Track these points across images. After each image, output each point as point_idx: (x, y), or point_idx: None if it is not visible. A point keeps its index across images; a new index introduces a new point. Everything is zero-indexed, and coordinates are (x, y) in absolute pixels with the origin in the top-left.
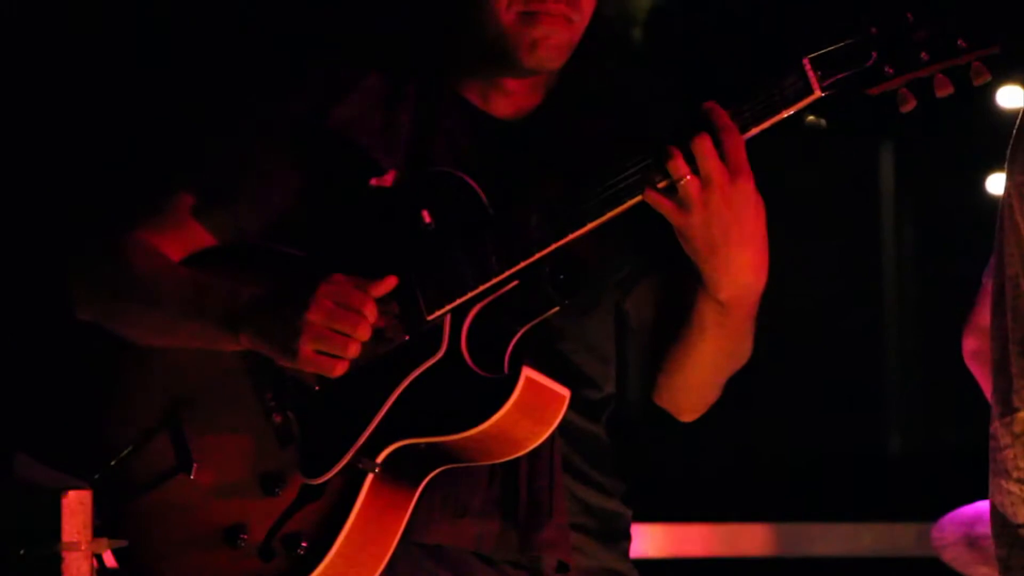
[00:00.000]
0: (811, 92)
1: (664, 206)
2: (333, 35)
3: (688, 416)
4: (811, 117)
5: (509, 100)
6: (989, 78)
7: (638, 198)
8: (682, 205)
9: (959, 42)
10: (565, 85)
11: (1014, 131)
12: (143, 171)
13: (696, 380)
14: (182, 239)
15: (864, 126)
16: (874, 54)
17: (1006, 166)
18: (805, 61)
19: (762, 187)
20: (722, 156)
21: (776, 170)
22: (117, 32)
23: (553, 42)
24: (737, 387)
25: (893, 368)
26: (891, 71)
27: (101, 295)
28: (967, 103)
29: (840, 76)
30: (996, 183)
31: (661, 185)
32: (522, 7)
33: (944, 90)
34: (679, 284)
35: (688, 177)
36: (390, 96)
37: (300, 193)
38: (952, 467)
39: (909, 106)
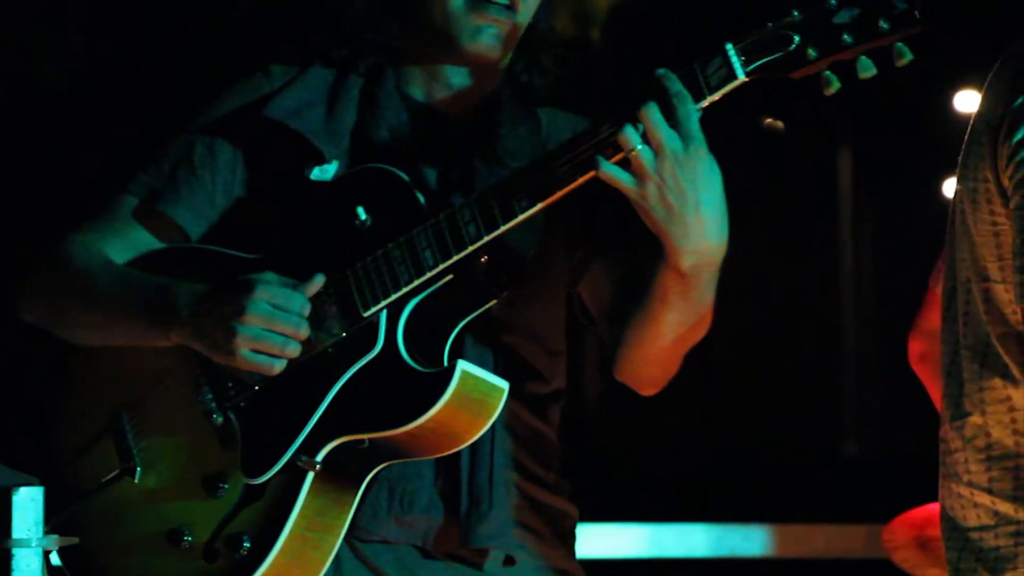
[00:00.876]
0: (735, 78)
1: (618, 180)
2: (278, 29)
3: (649, 389)
4: (769, 120)
5: (452, 93)
6: (911, 59)
7: (565, 190)
8: (636, 176)
9: (880, 23)
10: (509, 83)
11: (966, 136)
12: (95, 177)
13: (658, 351)
14: (126, 241)
15: (822, 129)
16: (797, 38)
17: (957, 171)
18: (728, 47)
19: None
20: (673, 124)
21: (733, 172)
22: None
23: (494, 32)
24: (694, 389)
25: (850, 371)
26: (813, 54)
27: (41, 297)
28: (923, 106)
29: (764, 61)
30: (952, 187)
31: (614, 160)
32: None
33: (867, 72)
34: (634, 260)
35: (639, 147)
36: (333, 88)
37: (242, 190)
38: (905, 470)
39: (832, 89)
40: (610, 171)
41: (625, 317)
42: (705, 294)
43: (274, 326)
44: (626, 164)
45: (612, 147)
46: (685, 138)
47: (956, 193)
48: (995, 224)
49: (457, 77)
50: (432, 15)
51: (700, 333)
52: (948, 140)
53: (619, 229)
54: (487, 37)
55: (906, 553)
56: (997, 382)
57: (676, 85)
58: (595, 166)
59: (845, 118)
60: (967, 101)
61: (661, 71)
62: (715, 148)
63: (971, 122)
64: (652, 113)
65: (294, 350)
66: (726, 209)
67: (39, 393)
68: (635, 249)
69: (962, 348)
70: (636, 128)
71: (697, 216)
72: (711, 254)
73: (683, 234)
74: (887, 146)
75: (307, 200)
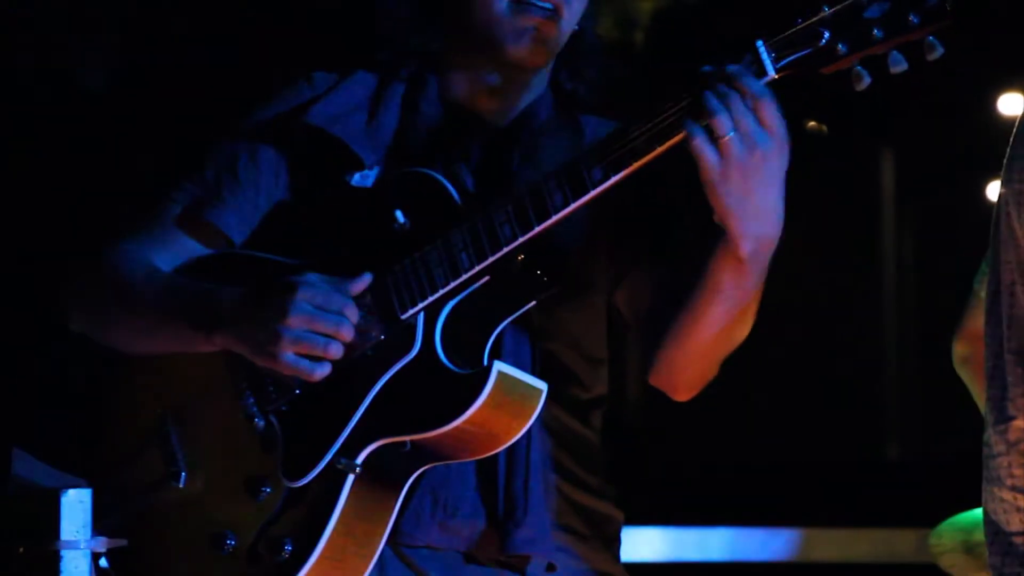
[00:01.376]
0: (766, 75)
1: (706, 155)
2: (321, 34)
3: (684, 394)
4: (812, 123)
5: (494, 98)
6: (942, 53)
7: (598, 191)
8: (722, 159)
9: (911, 17)
10: (552, 90)
11: (1011, 138)
12: (139, 185)
13: (701, 349)
14: (171, 248)
15: (865, 132)
16: (827, 33)
17: (1002, 173)
18: (759, 44)
19: None
20: (760, 119)
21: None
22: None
23: (537, 35)
24: (735, 394)
25: (892, 374)
26: (844, 50)
27: (87, 305)
28: (967, 108)
29: (794, 57)
30: (996, 190)
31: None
32: None
33: (898, 67)
34: (674, 265)
35: (732, 135)
36: (375, 94)
37: (284, 196)
38: (950, 474)
39: (862, 85)
40: (700, 145)
41: (666, 318)
42: (756, 284)
43: (316, 326)
44: (710, 146)
45: (706, 122)
46: (772, 137)
47: (1000, 196)
48: None
49: (500, 82)
50: (475, 19)
51: (743, 332)
52: (992, 143)
53: (657, 235)
54: (530, 40)
55: (953, 558)
56: None
57: (756, 84)
58: (688, 136)
59: (888, 121)
60: (1011, 104)
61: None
62: None
63: (1016, 125)
64: (741, 107)
65: (337, 350)
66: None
67: (86, 397)
68: (675, 254)
69: (1006, 352)
70: (728, 115)
71: (764, 199)
72: (769, 243)
73: (750, 220)
74: (930, 149)
75: (347, 204)
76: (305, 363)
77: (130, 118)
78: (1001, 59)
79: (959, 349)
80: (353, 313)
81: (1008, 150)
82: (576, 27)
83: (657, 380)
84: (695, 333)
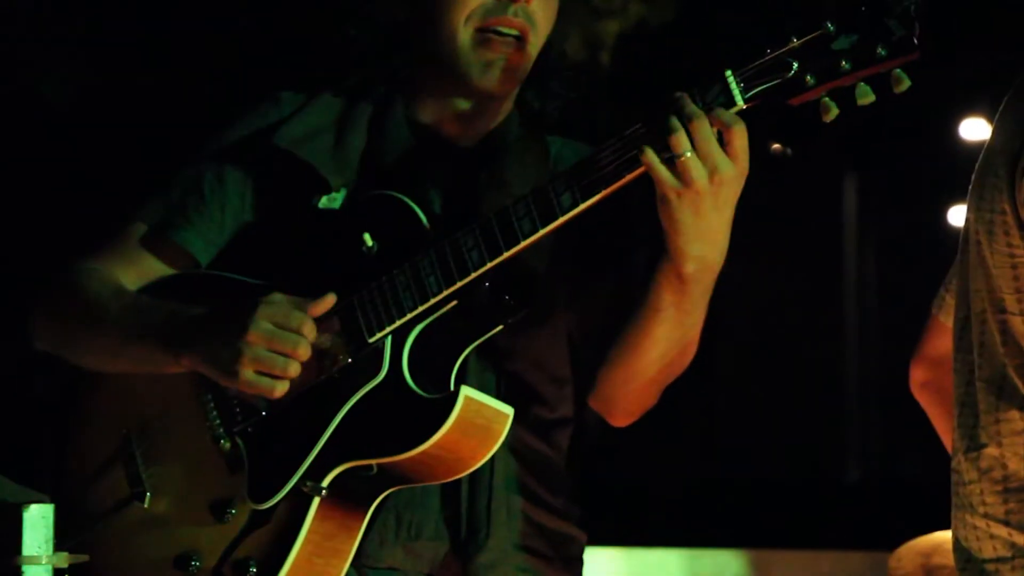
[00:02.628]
0: (734, 104)
1: (661, 174)
2: (294, 51)
3: (621, 419)
4: (776, 145)
5: (462, 123)
6: (909, 85)
7: (567, 217)
8: (678, 178)
9: (878, 50)
10: (520, 111)
11: (977, 165)
12: (108, 205)
13: (639, 370)
14: (136, 268)
15: (828, 155)
16: (795, 64)
17: (970, 200)
18: (728, 73)
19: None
20: (730, 152)
21: (739, 199)
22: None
23: (505, 65)
24: (698, 414)
25: (853, 398)
26: (812, 81)
27: (53, 324)
28: (929, 133)
29: (762, 87)
30: (958, 215)
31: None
32: (480, 22)
33: (865, 99)
34: (625, 288)
35: (689, 154)
36: (342, 117)
37: (252, 217)
38: (910, 496)
39: (831, 115)
40: (656, 163)
41: (611, 338)
42: (696, 310)
43: (274, 345)
44: (670, 165)
45: (658, 145)
46: (733, 166)
47: (968, 223)
48: (1013, 256)
49: (467, 108)
50: (440, 50)
51: (682, 363)
52: (953, 167)
53: (611, 257)
54: (497, 71)
55: None
56: (1014, 414)
57: (727, 115)
58: (641, 153)
59: (851, 145)
60: (973, 128)
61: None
62: None
63: (984, 152)
64: (703, 126)
65: (296, 370)
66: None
67: (50, 414)
68: (625, 278)
69: (977, 379)
70: (687, 134)
71: (716, 229)
72: (712, 266)
73: (695, 240)
74: (892, 173)
75: (315, 226)
76: (266, 381)
77: (94, 133)
78: (964, 84)
79: (917, 374)
80: (311, 331)
81: (973, 177)
82: (542, 48)
83: (595, 402)
84: (634, 353)
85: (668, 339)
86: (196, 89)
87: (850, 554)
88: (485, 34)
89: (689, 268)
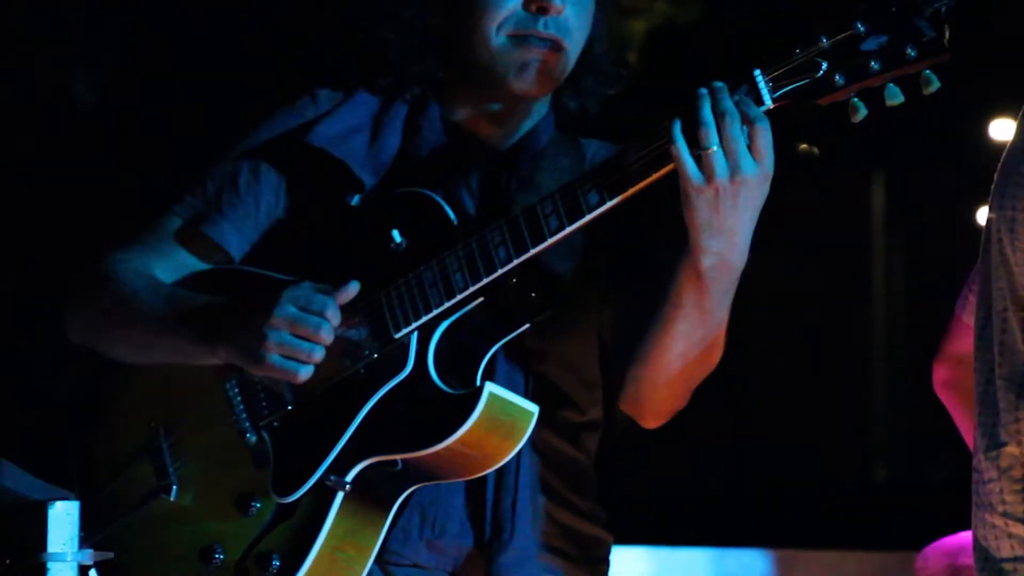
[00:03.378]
0: (763, 104)
1: (687, 167)
2: (327, 52)
3: (651, 421)
4: (804, 145)
5: (497, 124)
6: (938, 87)
7: (593, 216)
8: (701, 172)
9: (908, 51)
10: (556, 110)
11: (1000, 164)
12: (142, 198)
13: (665, 368)
14: (170, 261)
15: (857, 156)
16: (824, 64)
17: (992, 199)
18: (757, 73)
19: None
20: (755, 153)
21: (768, 198)
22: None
23: (541, 67)
24: (726, 414)
25: (880, 397)
26: (841, 81)
27: (88, 316)
28: (957, 133)
29: (791, 87)
30: (986, 215)
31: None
32: (512, 30)
33: (894, 100)
34: (654, 291)
35: (715, 148)
36: (378, 116)
37: (285, 213)
38: (938, 497)
39: (859, 116)
40: (684, 155)
41: (637, 339)
42: (717, 310)
43: (297, 328)
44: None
45: (692, 135)
46: (757, 166)
47: (990, 222)
48: None
49: (502, 109)
50: (476, 53)
51: (707, 365)
52: (982, 168)
53: (641, 258)
54: (533, 73)
55: None
56: None
57: (754, 109)
58: (671, 142)
59: (879, 145)
60: (1001, 129)
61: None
62: None
63: (1006, 151)
64: (735, 132)
65: (320, 354)
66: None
67: (77, 409)
68: (654, 279)
69: (997, 377)
70: (716, 131)
71: (735, 227)
72: (732, 264)
73: (713, 236)
74: (921, 173)
75: (345, 223)
76: (291, 364)
77: (122, 132)
78: (992, 85)
79: (940, 373)
80: (334, 315)
81: (996, 176)
82: (581, 50)
83: (626, 405)
84: (659, 353)
85: (689, 337)
86: (227, 89)
87: (876, 555)
88: (519, 39)
89: (706, 263)
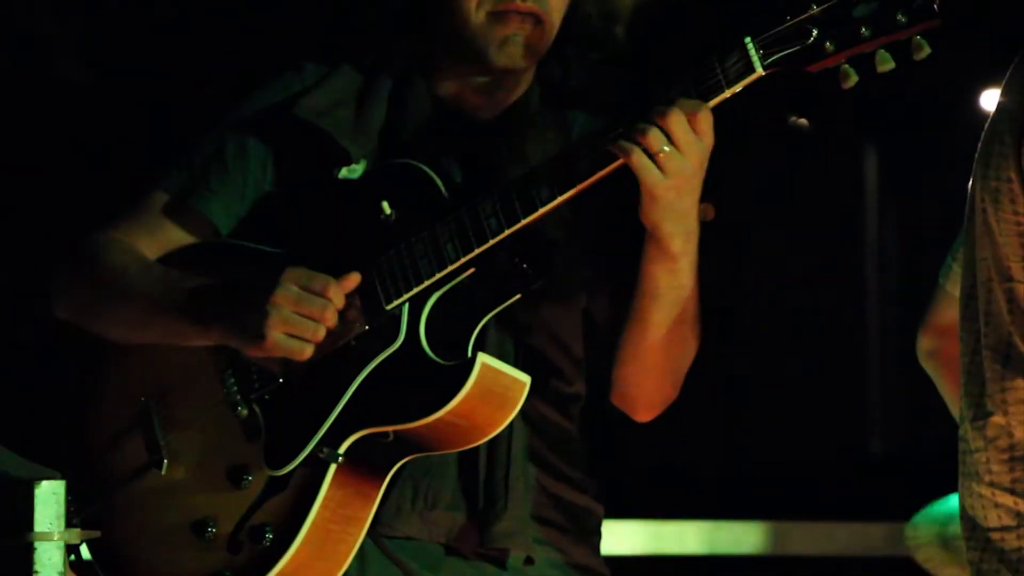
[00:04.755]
0: (753, 71)
1: (647, 171)
2: (310, 30)
3: (644, 413)
4: (794, 117)
5: (482, 98)
6: (929, 52)
7: (585, 184)
8: (663, 173)
9: (899, 17)
10: (541, 82)
11: (983, 133)
12: (125, 174)
13: (651, 362)
14: (158, 237)
15: (848, 127)
16: (815, 31)
17: (975, 168)
18: (746, 40)
19: (746, 188)
20: (698, 131)
21: (759, 171)
22: (105, 36)
23: (522, 41)
24: (719, 386)
25: (874, 369)
26: (832, 47)
27: (76, 293)
28: (949, 104)
29: (781, 54)
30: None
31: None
32: (491, 6)
33: (885, 65)
34: (632, 280)
35: (667, 149)
36: (363, 90)
37: (272, 186)
38: (931, 467)
39: (850, 83)
40: (641, 161)
41: (619, 336)
42: (688, 281)
43: (301, 307)
44: (649, 159)
45: (637, 143)
46: (705, 148)
47: (974, 191)
48: (1019, 224)
49: (486, 82)
50: (456, 29)
51: (692, 344)
52: (974, 138)
53: (627, 249)
54: (514, 47)
55: (928, 551)
56: (1020, 382)
57: (689, 102)
58: (625, 153)
59: (871, 116)
60: (993, 100)
61: (673, 79)
62: (740, 144)
63: (989, 121)
64: (678, 120)
65: (323, 333)
66: None
67: (64, 386)
68: (634, 276)
69: (983, 348)
70: (662, 130)
71: (690, 203)
72: (693, 234)
73: (679, 220)
74: (913, 144)
75: (334, 195)
76: (295, 342)
77: (111, 108)
78: (983, 54)
79: (924, 343)
80: (337, 295)
81: (979, 146)
82: (562, 20)
83: (617, 399)
84: (643, 344)
85: (668, 321)
86: (214, 65)
87: (868, 525)
88: (499, 14)
89: (677, 245)
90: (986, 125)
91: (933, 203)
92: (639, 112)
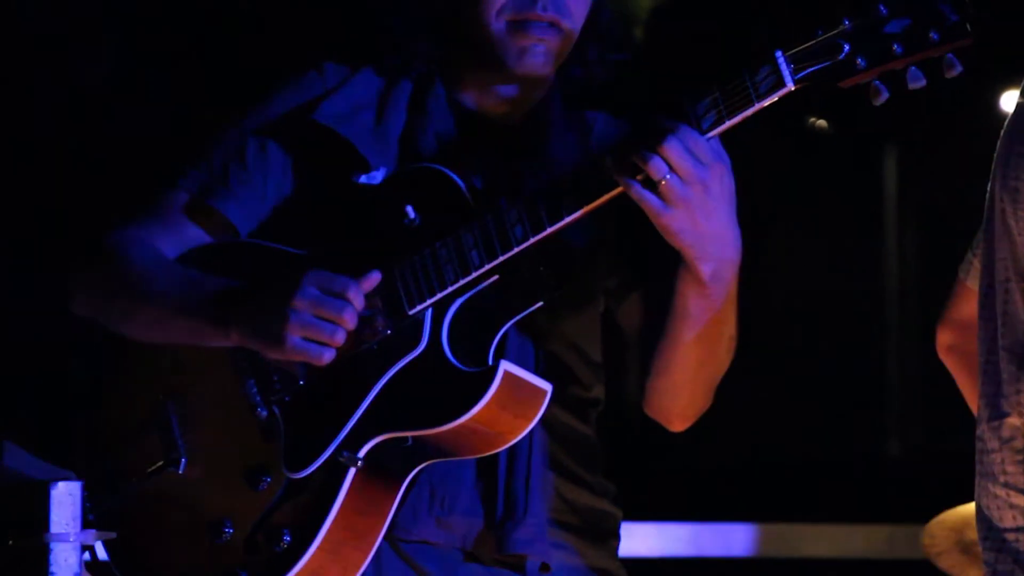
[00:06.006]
0: (784, 86)
1: (648, 203)
2: (331, 33)
3: (678, 424)
4: (814, 119)
5: (502, 102)
6: (961, 70)
7: (613, 193)
8: (665, 202)
9: (931, 35)
10: (563, 85)
11: (1002, 134)
12: (144, 172)
13: (683, 378)
14: (177, 236)
15: (868, 129)
16: (847, 47)
17: (995, 169)
18: (778, 54)
19: (765, 189)
20: (699, 155)
21: (779, 172)
22: (123, 34)
23: (541, 49)
24: (737, 387)
25: (894, 372)
26: (863, 64)
27: (96, 291)
28: (969, 107)
29: (813, 69)
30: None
31: (639, 178)
32: (511, 15)
33: (916, 83)
34: (665, 292)
35: (668, 177)
36: (383, 93)
37: (292, 189)
38: (950, 470)
39: (880, 99)
40: (640, 194)
41: (651, 348)
42: (725, 305)
43: (321, 311)
44: (653, 187)
45: (639, 173)
46: (712, 167)
47: (993, 191)
48: None
49: (506, 88)
50: (476, 37)
51: (725, 358)
52: (993, 139)
53: (654, 262)
54: (534, 56)
55: (950, 558)
56: None
57: (721, 107)
58: (626, 185)
59: (891, 117)
60: (1012, 100)
61: (668, 108)
62: (761, 147)
63: (1008, 121)
64: (676, 148)
65: (343, 337)
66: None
67: (81, 386)
68: (666, 284)
69: (1000, 348)
70: (663, 158)
71: (719, 226)
72: (731, 259)
73: (705, 245)
74: (933, 145)
75: (356, 199)
76: (314, 347)
77: (130, 116)
78: (1004, 56)
79: (944, 337)
80: (357, 298)
81: (999, 146)
82: (585, 23)
83: (651, 410)
84: (674, 360)
85: (702, 342)
86: (229, 70)
87: (886, 527)
88: (518, 24)
89: (707, 271)
90: (1005, 125)
91: (953, 204)
92: (642, 137)
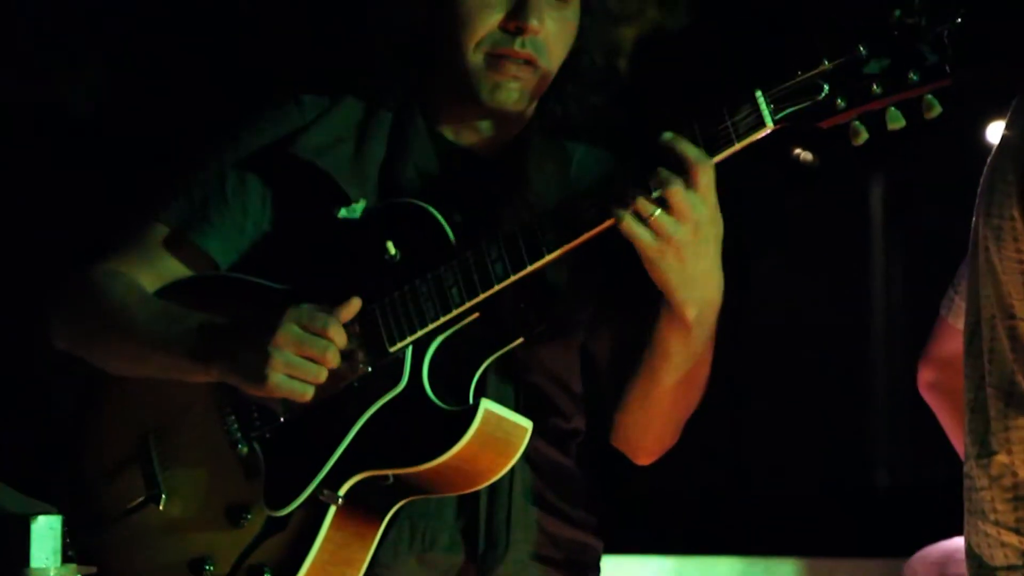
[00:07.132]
0: (763, 126)
1: (638, 237)
2: (310, 65)
3: (644, 458)
4: (799, 150)
5: (480, 134)
6: (940, 111)
7: (594, 231)
8: (655, 237)
9: (910, 75)
10: (543, 118)
11: (985, 170)
12: (123, 204)
13: (656, 414)
14: (156, 270)
15: (854, 160)
16: (826, 86)
17: (978, 205)
18: (758, 94)
19: (751, 221)
20: (696, 191)
21: (765, 203)
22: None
23: (515, 86)
24: (723, 420)
25: (881, 403)
26: (843, 104)
27: (76, 325)
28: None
29: (793, 109)
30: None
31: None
32: (489, 48)
33: (896, 123)
34: (639, 325)
35: (658, 213)
36: (363, 125)
37: (272, 223)
38: (938, 502)
39: (860, 139)
40: (631, 228)
41: (623, 382)
42: (705, 346)
43: (303, 349)
44: (643, 223)
45: (632, 206)
46: (707, 205)
47: (977, 228)
48: (1022, 262)
49: (483, 122)
50: (454, 67)
51: (696, 398)
52: (979, 170)
53: (635, 292)
54: (509, 93)
55: None
56: (1023, 421)
57: (693, 151)
58: (617, 218)
59: (877, 149)
60: (998, 132)
61: (669, 135)
62: (747, 178)
63: (992, 157)
64: (675, 184)
65: (324, 375)
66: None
67: (62, 420)
68: (639, 317)
69: (987, 385)
70: (654, 191)
71: (706, 268)
72: (714, 302)
73: (690, 287)
74: (919, 176)
75: (336, 233)
76: (297, 384)
77: (115, 143)
78: (990, 88)
79: (925, 375)
80: (339, 336)
81: (982, 182)
82: (563, 61)
83: (617, 442)
84: (650, 399)
85: (680, 383)
86: (214, 96)
87: (868, 561)
88: (495, 58)
89: (691, 313)
90: (989, 158)
91: (939, 234)
92: (636, 172)
